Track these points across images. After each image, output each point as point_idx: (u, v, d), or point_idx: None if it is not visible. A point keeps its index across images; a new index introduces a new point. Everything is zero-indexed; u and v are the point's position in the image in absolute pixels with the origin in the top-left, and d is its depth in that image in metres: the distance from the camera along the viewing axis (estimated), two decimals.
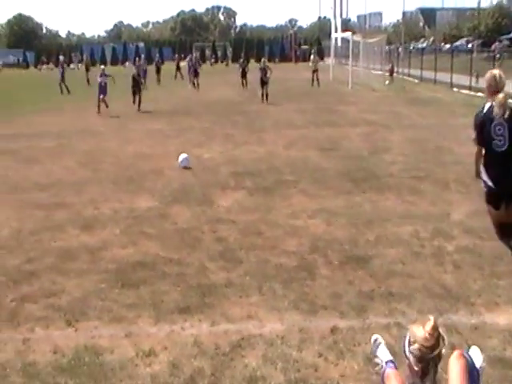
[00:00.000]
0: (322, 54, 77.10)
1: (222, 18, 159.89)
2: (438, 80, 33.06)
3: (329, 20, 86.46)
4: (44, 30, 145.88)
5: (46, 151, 14.20)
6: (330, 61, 38.02)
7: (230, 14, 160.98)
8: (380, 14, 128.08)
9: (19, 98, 32.27)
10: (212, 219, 8.08)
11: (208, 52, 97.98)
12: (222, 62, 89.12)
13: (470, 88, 27.73)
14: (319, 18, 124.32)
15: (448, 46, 55.92)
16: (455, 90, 28.92)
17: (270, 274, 6.09)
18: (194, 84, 34.55)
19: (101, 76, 22.64)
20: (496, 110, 5.20)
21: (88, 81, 39.18)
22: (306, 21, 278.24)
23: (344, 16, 41.82)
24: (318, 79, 34.07)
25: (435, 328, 2.87)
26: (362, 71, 39.29)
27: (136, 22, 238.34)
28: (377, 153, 12.58)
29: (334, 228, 7.54)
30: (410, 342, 2.88)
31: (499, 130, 5.22)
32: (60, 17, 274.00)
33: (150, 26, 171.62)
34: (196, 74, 34.84)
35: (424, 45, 66.51)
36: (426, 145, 13.48)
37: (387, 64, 39.52)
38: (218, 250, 6.87)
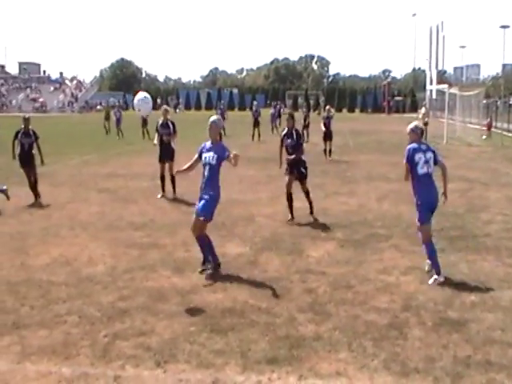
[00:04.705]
0: (415, 106, 76.41)
1: (315, 66, 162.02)
2: None
3: (423, 71, 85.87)
4: (143, 74, 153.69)
5: (141, 191, 14.69)
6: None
7: (324, 63, 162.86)
8: (478, 67, 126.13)
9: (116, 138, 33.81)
10: (302, 269, 8.02)
11: (300, 100, 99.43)
12: (314, 110, 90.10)
13: None
14: (414, 69, 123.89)
15: None
16: None
17: (360, 331, 5.93)
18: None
19: None
20: None
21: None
22: (399, 71, 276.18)
23: (440, 68, 41.23)
24: (426, 133, 32.47)
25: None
26: (457, 125, 38.50)
27: (231, 69, 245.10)
28: (473, 211, 12.15)
29: (427, 287, 7.29)
30: None
31: None
32: (159, 62, 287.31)
33: (244, 72, 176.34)
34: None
35: None
36: None
37: (485, 118, 38.54)
38: (307, 301, 6.79)
